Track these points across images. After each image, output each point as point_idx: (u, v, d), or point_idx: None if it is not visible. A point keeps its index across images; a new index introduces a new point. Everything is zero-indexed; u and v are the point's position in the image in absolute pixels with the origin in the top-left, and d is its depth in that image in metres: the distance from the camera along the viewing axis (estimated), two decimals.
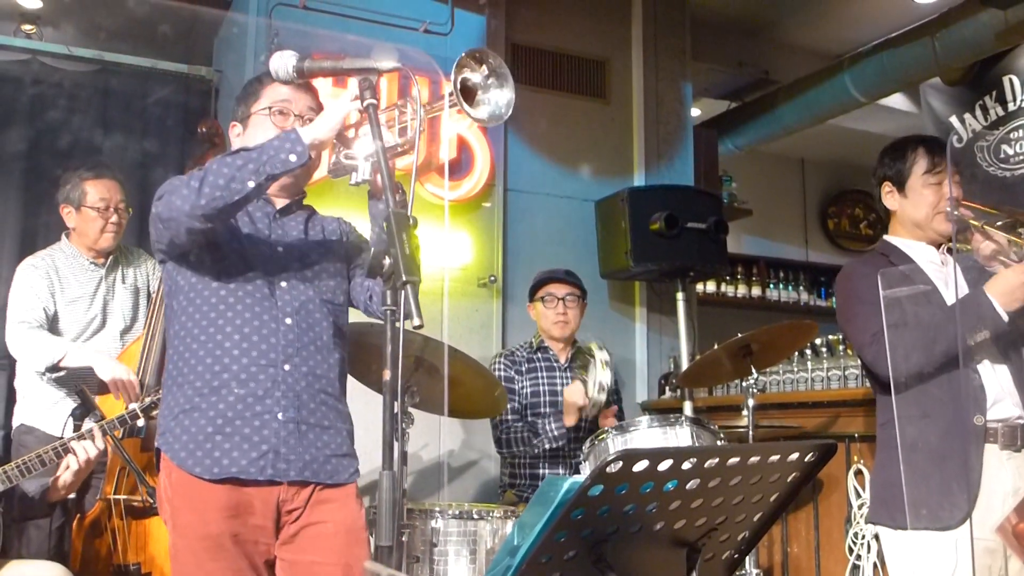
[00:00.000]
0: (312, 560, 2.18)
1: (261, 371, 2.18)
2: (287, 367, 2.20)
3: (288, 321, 2.23)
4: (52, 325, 3.45)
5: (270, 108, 2.27)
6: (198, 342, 2.21)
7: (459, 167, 4.59)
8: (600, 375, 3.47)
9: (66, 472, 2.77)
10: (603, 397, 3.51)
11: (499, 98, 1.96)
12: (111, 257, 3.60)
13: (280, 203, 2.36)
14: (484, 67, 1.94)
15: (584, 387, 3.51)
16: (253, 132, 2.28)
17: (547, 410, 3.77)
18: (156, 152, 4.54)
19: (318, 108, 2.29)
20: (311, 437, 2.21)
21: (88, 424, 2.87)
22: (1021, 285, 2.41)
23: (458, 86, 1.89)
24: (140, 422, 2.95)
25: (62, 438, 2.85)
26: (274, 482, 2.16)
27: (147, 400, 2.96)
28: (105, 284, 3.57)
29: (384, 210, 1.61)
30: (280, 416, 2.17)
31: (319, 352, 2.27)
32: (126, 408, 3.13)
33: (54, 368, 3.32)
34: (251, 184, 2.03)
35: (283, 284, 2.26)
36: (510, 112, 1.96)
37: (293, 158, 2.03)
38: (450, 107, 1.90)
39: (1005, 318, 2.43)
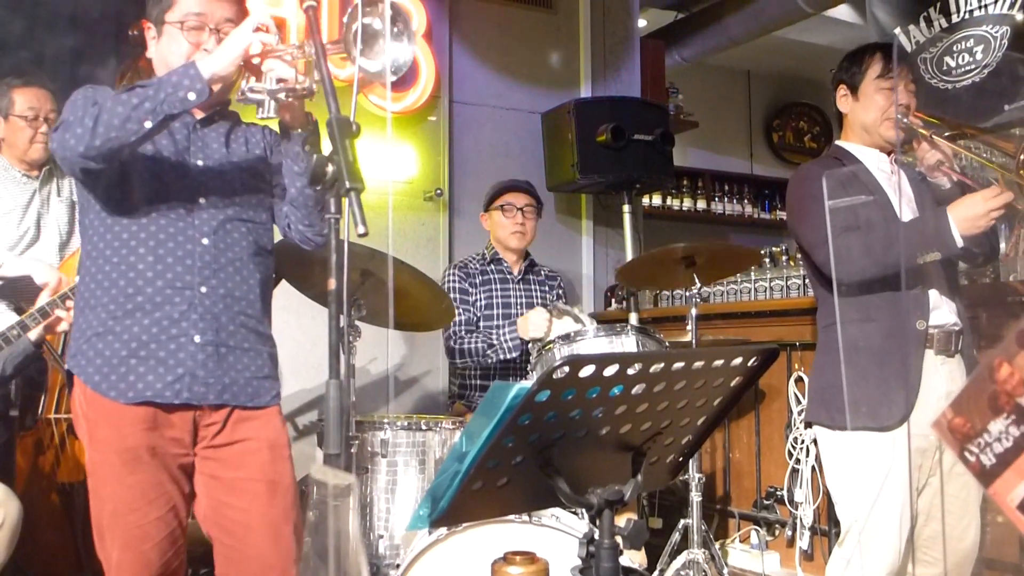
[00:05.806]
0: (235, 476, 2.17)
1: (176, 294, 2.12)
2: (204, 289, 2.14)
3: (205, 241, 2.16)
4: None
5: (183, 22, 2.14)
6: (110, 263, 2.13)
7: (403, 79, 4.48)
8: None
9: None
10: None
11: (398, 53, 1.89)
12: (45, 169, 3.48)
13: (200, 114, 2.23)
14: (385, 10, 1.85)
15: (549, 317, 3.41)
16: (166, 44, 2.17)
17: (500, 322, 3.74)
18: (88, 58, 4.35)
19: (237, 18, 2.16)
20: (231, 360, 2.17)
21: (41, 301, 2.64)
22: (986, 214, 2.36)
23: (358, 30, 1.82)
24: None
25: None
26: (190, 405, 2.13)
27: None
28: (39, 197, 3.46)
29: (328, 116, 1.56)
30: (197, 339, 2.12)
31: (238, 273, 2.20)
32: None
33: None
34: (148, 124, 1.95)
35: (201, 202, 2.17)
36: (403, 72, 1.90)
37: (192, 96, 1.95)
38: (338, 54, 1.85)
39: (960, 243, 2.39)
